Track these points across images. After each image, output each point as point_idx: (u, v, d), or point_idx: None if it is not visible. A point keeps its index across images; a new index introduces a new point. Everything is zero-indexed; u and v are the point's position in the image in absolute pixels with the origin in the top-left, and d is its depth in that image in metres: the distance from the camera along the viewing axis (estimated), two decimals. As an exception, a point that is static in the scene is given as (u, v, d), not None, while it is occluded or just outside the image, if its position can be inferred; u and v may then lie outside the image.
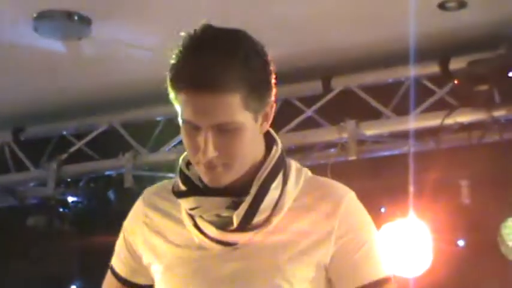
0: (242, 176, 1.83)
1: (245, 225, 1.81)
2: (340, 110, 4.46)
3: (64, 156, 5.07)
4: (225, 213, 1.82)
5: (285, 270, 1.82)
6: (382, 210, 4.27)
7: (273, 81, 1.85)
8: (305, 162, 4.46)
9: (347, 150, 4.38)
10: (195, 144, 1.80)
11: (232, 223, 1.81)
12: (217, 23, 1.89)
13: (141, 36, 4.16)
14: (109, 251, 5.24)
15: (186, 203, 1.88)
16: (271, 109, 1.86)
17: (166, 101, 5.43)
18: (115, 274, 2.16)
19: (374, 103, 4.43)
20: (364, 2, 3.84)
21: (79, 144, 5.09)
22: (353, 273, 1.87)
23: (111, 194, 5.03)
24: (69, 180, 5.15)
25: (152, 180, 4.94)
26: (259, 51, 1.84)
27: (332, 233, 1.85)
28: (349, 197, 1.92)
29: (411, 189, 4.07)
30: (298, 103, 4.59)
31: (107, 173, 5.05)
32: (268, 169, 1.85)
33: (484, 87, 4.05)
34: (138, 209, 2.07)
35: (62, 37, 4.03)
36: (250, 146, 1.83)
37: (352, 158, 4.34)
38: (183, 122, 1.83)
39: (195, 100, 1.77)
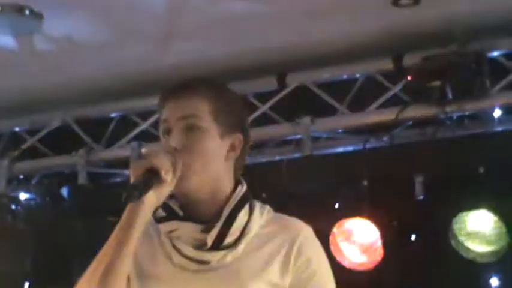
0: (213, 206, 2.06)
1: (218, 245, 2.02)
2: (295, 107, 4.47)
3: (16, 152, 5.01)
4: (200, 236, 2.03)
5: (251, 286, 2.02)
6: (336, 206, 4.29)
7: (245, 120, 2.16)
8: (260, 159, 4.52)
9: (302, 147, 4.39)
10: (167, 144, 2.04)
11: (206, 244, 2.02)
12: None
13: (94, 32, 4.12)
14: (62, 248, 5.21)
15: (165, 227, 2.08)
16: (239, 143, 2.10)
17: (120, 97, 5.42)
18: None
19: (329, 99, 4.45)
20: (318, -2, 3.85)
21: (32, 141, 5.04)
22: None
23: (64, 191, 4.98)
24: (21, 177, 5.09)
25: (106, 177, 4.95)
26: (231, 90, 2.17)
27: (290, 261, 2.06)
28: (307, 230, 2.14)
29: (365, 185, 4.09)
30: (253, 99, 4.59)
31: (60, 169, 5.00)
32: (236, 200, 2.08)
33: (436, 83, 4.08)
34: None
35: (13, 32, 3.98)
36: (212, 157, 2.05)
37: (307, 154, 4.35)
38: (161, 126, 2.09)
39: (170, 102, 2.07)
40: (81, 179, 4.82)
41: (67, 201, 4.96)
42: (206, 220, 2.04)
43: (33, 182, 5.14)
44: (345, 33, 4.15)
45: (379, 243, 4.09)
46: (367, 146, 4.28)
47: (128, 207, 1.99)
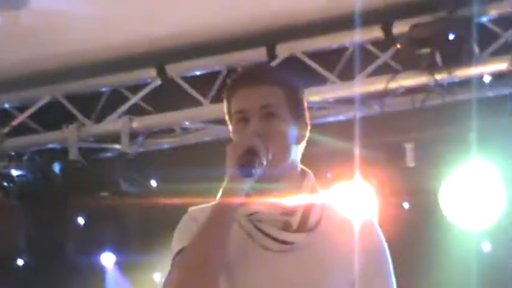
0: (290, 190, 2.14)
1: (302, 226, 2.11)
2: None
3: (6, 129, 4.99)
4: (282, 218, 2.12)
5: (332, 268, 2.12)
6: (328, 175, 4.30)
7: (306, 110, 2.22)
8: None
9: (293, 117, 4.38)
10: (245, 132, 2.12)
11: (290, 226, 2.11)
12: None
13: (82, 5, 4.10)
14: (55, 224, 5.22)
15: (244, 210, 2.14)
16: (305, 130, 2.21)
17: (110, 71, 5.38)
18: None
19: (319, 69, 4.44)
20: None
21: (22, 117, 5.02)
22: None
23: (56, 167, 4.98)
24: (12, 153, 5.08)
25: (98, 152, 4.94)
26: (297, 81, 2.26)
27: (359, 247, 2.16)
28: (373, 221, 2.26)
29: (357, 153, 4.10)
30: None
31: (51, 145, 4.99)
32: (310, 184, 2.20)
33: (426, 51, 4.09)
34: (188, 218, 2.25)
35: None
36: (290, 144, 2.15)
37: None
38: (234, 116, 2.16)
39: (246, 91, 2.15)
40: (73, 155, 4.81)
41: (59, 177, 4.96)
42: (283, 203, 2.13)
43: (25, 158, 5.13)
44: (334, 2, 4.13)
45: (372, 210, 4.11)
46: (358, 114, 4.28)
47: (228, 186, 2.05)
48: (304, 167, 2.24)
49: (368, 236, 2.20)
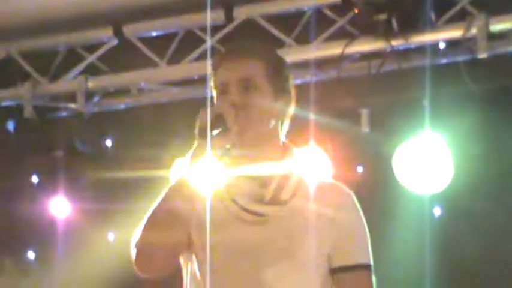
0: (267, 162, 2.19)
1: (275, 199, 2.17)
2: (242, 40, 4.45)
3: (-40, 85, 4.94)
4: (257, 190, 2.17)
5: (303, 241, 2.16)
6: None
7: (291, 85, 2.31)
8: (204, 93, 4.50)
9: (249, 80, 4.39)
10: (224, 102, 2.16)
11: (264, 198, 2.17)
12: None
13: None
14: (7, 181, 5.16)
15: (223, 183, 2.19)
16: (288, 105, 2.27)
17: (67, 30, 5.32)
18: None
19: (276, 33, 4.44)
20: None
21: (-25, 74, 4.96)
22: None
23: (10, 125, 4.94)
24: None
25: (53, 110, 4.91)
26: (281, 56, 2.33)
27: (335, 220, 2.19)
28: (351, 195, 2.28)
29: (312, 118, 4.13)
30: (200, 33, 4.56)
31: (6, 103, 4.95)
32: (288, 162, 2.23)
33: (383, 17, 4.10)
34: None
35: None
36: (266, 114, 2.19)
37: (254, 87, 4.35)
38: (217, 90, 2.23)
39: (227, 64, 2.22)
40: (27, 113, 4.78)
41: (13, 135, 4.92)
42: (260, 175, 2.19)
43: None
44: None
45: (327, 174, 4.15)
46: (314, 79, 4.30)
47: (196, 146, 2.10)
48: (289, 143, 2.30)
49: (346, 210, 2.23)
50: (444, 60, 4.23)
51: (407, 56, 4.21)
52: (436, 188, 4.11)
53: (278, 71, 2.26)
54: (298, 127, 4.15)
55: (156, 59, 4.60)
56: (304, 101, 4.05)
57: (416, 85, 4.12)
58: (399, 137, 4.17)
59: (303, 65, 4.37)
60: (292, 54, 4.39)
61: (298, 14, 4.41)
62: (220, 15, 4.47)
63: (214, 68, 2.26)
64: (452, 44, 4.21)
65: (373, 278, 2.24)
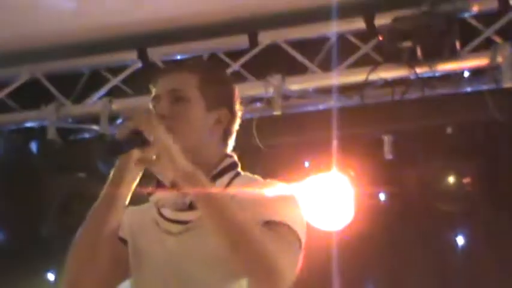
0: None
1: (194, 204, 2.08)
2: (266, 65, 4.46)
3: (-15, 107, 4.97)
4: (181, 200, 2.13)
5: None
6: (306, 164, 4.32)
7: (233, 99, 2.25)
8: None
9: (272, 105, 4.40)
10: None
11: (184, 206, 2.13)
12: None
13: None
14: (30, 204, 5.18)
15: (153, 198, 2.20)
16: (225, 118, 2.20)
17: (91, 52, 5.36)
18: None
19: (300, 58, 4.45)
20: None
21: (0, 95, 4.99)
22: None
23: (33, 146, 4.96)
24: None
25: (76, 132, 4.93)
26: (220, 70, 2.38)
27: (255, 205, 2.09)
28: (275, 184, 2.17)
29: (335, 144, 4.12)
30: (224, 57, 4.58)
31: (29, 124, 4.97)
32: (219, 169, 2.18)
33: (407, 44, 4.10)
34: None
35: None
36: (195, 126, 2.15)
37: (278, 112, 4.36)
38: (151, 104, 2.20)
39: (162, 79, 2.21)
40: (50, 135, 4.79)
41: (36, 157, 4.94)
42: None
43: (2, 137, 5.10)
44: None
45: (349, 202, 4.13)
46: (338, 105, 4.29)
47: (117, 164, 2.10)
48: (231, 155, 2.24)
49: (262, 197, 2.12)
50: (468, 89, 4.21)
51: (431, 84, 4.20)
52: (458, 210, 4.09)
53: (212, 83, 2.21)
54: (321, 152, 4.18)
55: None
56: (327, 127, 4.08)
57: (441, 112, 4.10)
58: (423, 165, 4.15)
59: (326, 91, 4.36)
60: (315, 80, 4.40)
61: (322, 40, 4.42)
62: (244, 40, 4.49)
63: (152, 85, 2.24)
64: (477, 72, 4.20)
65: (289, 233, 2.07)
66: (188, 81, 2.18)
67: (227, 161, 2.21)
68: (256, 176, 2.25)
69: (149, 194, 2.22)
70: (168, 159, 2.00)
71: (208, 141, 2.19)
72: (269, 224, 2.04)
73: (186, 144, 2.08)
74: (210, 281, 2.08)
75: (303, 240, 2.10)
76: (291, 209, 2.12)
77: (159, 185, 2.19)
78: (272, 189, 2.14)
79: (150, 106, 2.19)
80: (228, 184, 2.17)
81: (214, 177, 2.16)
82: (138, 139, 2.00)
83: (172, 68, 2.27)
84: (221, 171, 2.19)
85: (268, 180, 2.21)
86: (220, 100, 2.22)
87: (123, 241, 2.23)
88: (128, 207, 2.23)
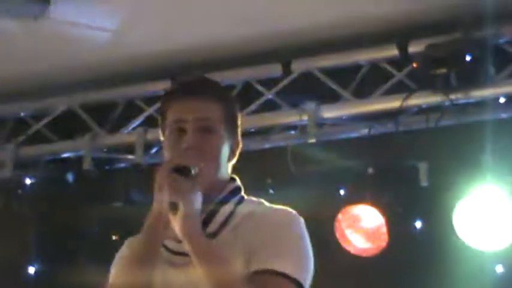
0: (207, 203, 2.10)
1: None
2: (300, 93, 4.47)
3: (22, 138, 5.02)
4: None
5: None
6: (341, 192, 4.30)
7: (239, 134, 2.23)
8: (265, 145, 4.53)
9: (307, 133, 4.39)
10: (179, 143, 2.10)
11: None
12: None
13: (100, 18, 4.13)
14: (67, 233, 5.21)
15: None
16: (238, 148, 2.20)
17: (126, 82, 5.41)
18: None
19: (334, 86, 4.45)
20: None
21: (37, 126, 5.05)
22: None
23: (69, 176, 4.99)
24: (27, 162, 5.10)
25: (112, 162, 4.96)
26: (234, 98, 2.30)
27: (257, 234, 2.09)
28: (290, 212, 2.15)
29: (370, 171, 4.10)
30: (258, 86, 4.59)
31: (66, 155, 5.01)
32: (223, 194, 2.15)
33: (441, 71, 4.08)
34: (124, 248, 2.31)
35: (18, 16, 3.98)
36: (222, 161, 2.14)
37: (312, 140, 4.35)
38: (170, 126, 2.14)
39: (186, 102, 2.14)
40: (86, 165, 4.83)
41: (72, 187, 4.97)
42: None
43: (39, 167, 5.14)
44: (351, 20, 4.15)
45: (384, 229, 4.10)
46: (372, 132, 4.28)
47: (150, 228, 2.08)
48: (235, 180, 2.22)
49: (269, 223, 2.10)
50: (504, 115, 4.18)
51: (466, 110, 4.17)
52: (499, 245, 4.03)
53: (233, 115, 2.21)
54: (356, 180, 4.17)
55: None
56: (362, 155, 4.07)
57: (476, 139, 4.07)
58: (459, 192, 4.11)
59: (360, 118, 4.36)
60: (349, 108, 4.40)
61: (356, 67, 4.42)
62: (278, 69, 4.51)
63: (166, 105, 2.18)
64: (512, 98, 4.17)
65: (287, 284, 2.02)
66: (214, 112, 2.15)
67: (231, 186, 2.19)
68: (261, 200, 2.22)
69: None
70: (185, 222, 2.01)
71: (223, 170, 2.18)
72: (268, 274, 2.00)
73: (213, 181, 2.10)
74: None
75: (307, 282, 2.07)
76: (294, 248, 2.08)
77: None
78: (275, 221, 2.11)
79: (171, 126, 2.14)
80: (231, 213, 2.13)
81: (220, 204, 2.14)
82: (188, 173, 2.02)
83: (195, 91, 2.17)
84: (226, 196, 2.16)
85: (272, 207, 2.18)
86: (235, 129, 2.22)
87: None
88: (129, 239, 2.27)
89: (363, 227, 4.15)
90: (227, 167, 2.19)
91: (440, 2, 3.98)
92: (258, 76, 4.59)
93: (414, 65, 4.23)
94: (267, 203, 2.21)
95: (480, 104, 4.18)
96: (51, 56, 4.53)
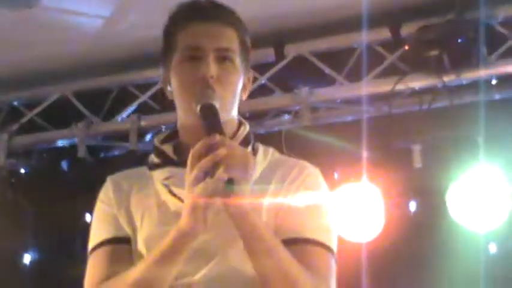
0: None
1: None
2: (293, 77, 4.47)
3: (15, 126, 5.02)
4: None
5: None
6: (335, 175, 4.31)
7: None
8: (259, 130, 4.53)
9: (301, 117, 4.40)
10: (195, 70, 1.89)
11: None
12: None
13: (92, 5, 4.12)
14: (62, 222, 5.22)
15: (160, 174, 1.95)
16: (249, 83, 2.06)
17: (119, 70, 5.40)
18: (109, 241, 2.04)
19: (327, 70, 4.45)
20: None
21: (30, 115, 5.04)
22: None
23: (64, 165, 4.99)
24: (20, 151, 5.10)
25: (106, 150, 4.96)
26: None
27: (283, 184, 1.95)
28: (314, 169, 2.04)
29: (364, 154, 4.11)
30: (251, 70, 4.58)
31: (60, 143, 5.01)
32: (239, 141, 1.96)
33: (434, 53, 4.09)
34: (107, 188, 2.11)
35: (10, 6, 3.97)
36: (238, 93, 1.96)
37: (306, 124, 4.36)
38: (183, 52, 1.93)
39: (203, 27, 1.92)
40: (81, 153, 4.83)
41: (67, 175, 4.97)
42: None
43: (33, 155, 5.15)
44: (343, 3, 4.14)
45: (379, 211, 4.12)
46: (365, 115, 4.29)
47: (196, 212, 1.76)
48: (242, 120, 2.06)
49: (298, 182, 1.96)
50: (497, 96, 4.19)
51: (459, 92, 4.18)
52: (492, 225, 4.04)
53: (247, 47, 2.04)
54: (350, 163, 4.18)
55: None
56: (356, 137, 4.07)
57: (469, 121, 4.08)
58: (452, 173, 4.12)
59: (354, 102, 4.36)
60: (343, 92, 4.40)
61: (349, 51, 4.42)
62: (271, 53, 4.50)
63: (177, 27, 1.96)
64: (505, 79, 4.17)
65: (329, 258, 1.91)
66: (233, 40, 1.96)
67: (243, 131, 2.01)
68: (271, 148, 2.07)
69: (153, 168, 1.98)
70: (237, 196, 1.74)
71: (235, 106, 2.01)
72: (304, 242, 1.89)
73: (229, 114, 1.94)
74: (233, 256, 1.87)
75: (336, 249, 1.96)
76: (323, 214, 1.96)
77: (168, 160, 1.97)
78: (306, 182, 1.97)
79: (184, 52, 1.94)
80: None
81: None
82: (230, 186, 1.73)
83: (211, 15, 1.94)
84: (241, 143, 1.96)
85: (291, 159, 2.05)
86: (248, 62, 2.05)
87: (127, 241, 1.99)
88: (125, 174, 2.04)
89: (357, 209, 4.15)
90: (237, 103, 2.02)
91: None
92: (251, 61, 4.57)
93: (406, 47, 4.23)
94: (277, 152, 2.08)
95: (473, 85, 4.19)
96: (44, 44, 4.52)
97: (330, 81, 4.44)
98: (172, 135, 2.05)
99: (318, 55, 4.47)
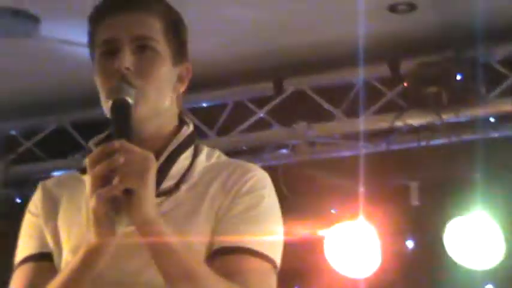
0: (154, 146, 1.77)
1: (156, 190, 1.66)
2: (291, 112, 4.47)
3: (12, 156, 5.00)
4: None
5: (189, 235, 1.74)
6: (333, 211, 4.29)
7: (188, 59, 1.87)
8: (256, 163, 4.51)
9: (298, 152, 4.39)
10: (109, 65, 1.76)
11: None
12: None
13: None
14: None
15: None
16: (187, 74, 1.86)
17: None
18: (34, 257, 1.90)
19: (325, 105, 4.45)
20: (315, 3, 3.86)
21: (28, 144, 5.03)
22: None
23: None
24: (17, 181, 5.08)
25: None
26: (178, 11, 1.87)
27: (225, 188, 1.81)
28: (260, 172, 1.88)
29: (361, 190, 4.10)
30: (250, 104, 4.59)
31: (57, 173, 4.99)
32: (179, 141, 1.82)
33: (433, 90, 4.09)
34: (37, 197, 1.97)
35: (9, 35, 3.97)
36: (164, 85, 1.79)
37: (304, 159, 4.35)
38: (99, 48, 1.80)
39: (118, 19, 1.77)
40: (78, 183, 4.80)
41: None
42: None
43: (29, 186, 5.12)
44: (342, 39, 4.15)
45: (376, 249, 4.09)
46: (363, 151, 4.28)
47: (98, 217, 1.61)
48: (186, 119, 1.89)
49: (239, 185, 1.79)
50: (495, 134, 4.19)
51: (458, 130, 4.18)
52: (489, 264, 4.02)
53: (178, 31, 1.83)
54: (347, 199, 4.16)
55: (205, 129, 4.61)
56: (353, 173, 4.06)
57: (467, 159, 4.07)
58: (450, 211, 4.11)
59: (352, 137, 4.36)
60: (341, 127, 4.40)
61: (348, 86, 4.42)
62: (269, 87, 4.50)
63: (94, 23, 1.81)
64: (503, 118, 4.17)
65: (268, 270, 1.75)
66: (154, 27, 1.78)
67: (185, 131, 1.85)
68: (215, 149, 1.92)
69: (83, 172, 1.84)
70: (136, 206, 1.58)
71: (169, 103, 1.82)
72: (241, 253, 1.73)
73: (153, 106, 1.76)
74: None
75: (279, 261, 1.80)
76: (269, 222, 1.81)
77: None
78: (248, 186, 1.82)
79: (101, 48, 1.80)
80: (190, 167, 1.81)
81: (175, 153, 1.81)
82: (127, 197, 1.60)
83: (130, 4, 1.78)
84: (181, 145, 1.82)
85: (236, 162, 1.90)
86: (183, 51, 1.85)
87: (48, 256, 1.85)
88: (43, 186, 1.94)
89: (353, 246, 4.13)
90: (173, 100, 1.84)
91: (430, 21, 3.99)
92: (250, 94, 4.59)
93: (405, 84, 4.24)
94: (223, 155, 1.92)
95: (471, 123, 4.19)
96: (42, 73, 4.53)
97: (328, 116, 4.44)
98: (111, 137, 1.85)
99: (316, 90, 4.47)
